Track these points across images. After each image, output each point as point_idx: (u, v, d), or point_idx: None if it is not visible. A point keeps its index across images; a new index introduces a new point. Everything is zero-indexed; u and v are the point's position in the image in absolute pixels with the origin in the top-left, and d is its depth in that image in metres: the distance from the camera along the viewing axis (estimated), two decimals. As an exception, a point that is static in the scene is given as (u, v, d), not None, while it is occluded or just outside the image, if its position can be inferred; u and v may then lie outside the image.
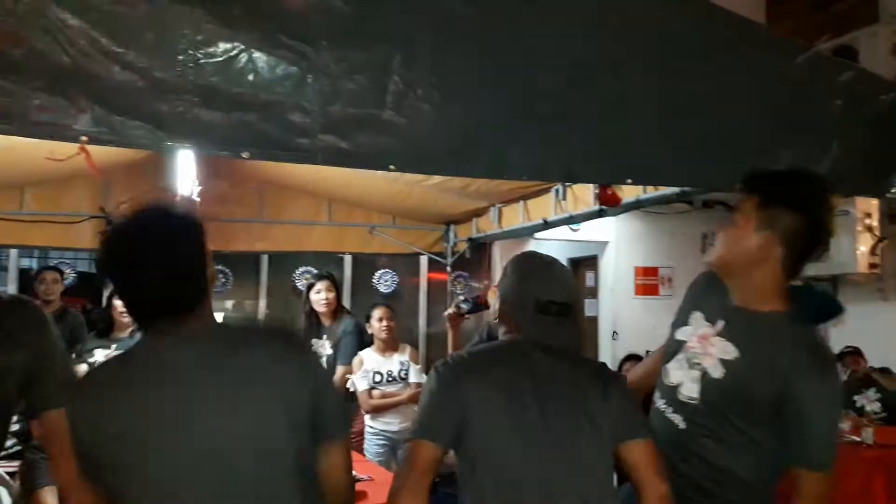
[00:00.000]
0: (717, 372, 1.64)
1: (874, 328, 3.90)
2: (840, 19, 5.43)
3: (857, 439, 3.72)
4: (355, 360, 4.11)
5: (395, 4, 1.77)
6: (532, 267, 1.70)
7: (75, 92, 1.56)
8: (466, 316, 3.36)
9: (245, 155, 1.65)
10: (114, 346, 3.81)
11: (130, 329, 3.78)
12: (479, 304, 3.42)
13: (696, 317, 1.74)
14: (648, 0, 2.09)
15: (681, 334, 1.76)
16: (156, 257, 1.24)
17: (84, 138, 1.56)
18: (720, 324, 1.67)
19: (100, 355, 3.67)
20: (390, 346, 4.15)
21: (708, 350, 1.67)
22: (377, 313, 4.16)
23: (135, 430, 1.22)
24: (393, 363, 4.12)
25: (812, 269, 5.24)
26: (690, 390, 1.69)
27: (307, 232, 5.48)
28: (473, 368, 1.56)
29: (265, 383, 1.27)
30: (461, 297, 3.42)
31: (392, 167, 1.75)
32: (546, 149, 1.93)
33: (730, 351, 1.64)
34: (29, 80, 1.53)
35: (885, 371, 4.24)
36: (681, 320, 1.78)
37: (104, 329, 3.88)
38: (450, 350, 3.40)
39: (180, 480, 1.23)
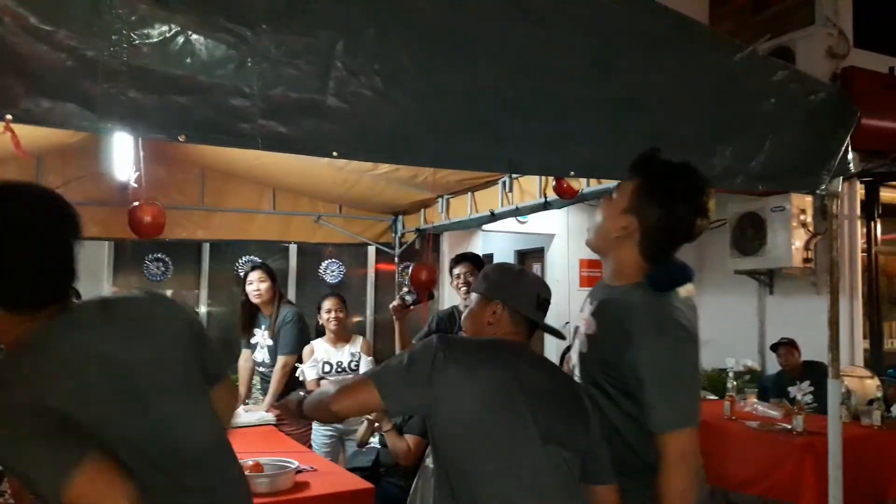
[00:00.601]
0: (584, 347, 1.74)
1: (808, 321, 4.07)
2: (778, 21, 5.60)
3: (789, 427, 3.88)
4: (306, 350, 4.11)
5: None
6: (520, 271, 1.86)
7: (2, 72, 1.48)
8: (411, 307, 3.35)
9: (181, 138, 1.60)
10: None
11: None
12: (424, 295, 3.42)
13: (586, 301, 1.83)
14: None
15: (576, 320, 1.87)
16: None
17: (8, 116, 1.49)
18: (594, 304, 1.77)
19: None
20: (341, 336, 4.15)
21: (582, 329, 1.77)
22: (327, 304, 4.15)
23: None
24: (343, 354, 4.12)
25: (750, 264, 5.44)
26: (577, 370, 1.78)
27: (250, 220, 5.36)
28: (476, 360, 1.57)
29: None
30: (406, 290, 3.39)
31: (335, 153, 1.72)
32: (490, 140, 1.94)
33: (591, 326, 1.73)
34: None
35: (815, 364, 4.41)
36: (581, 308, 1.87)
37: None
38: (397, 342, 3.39)
39: None
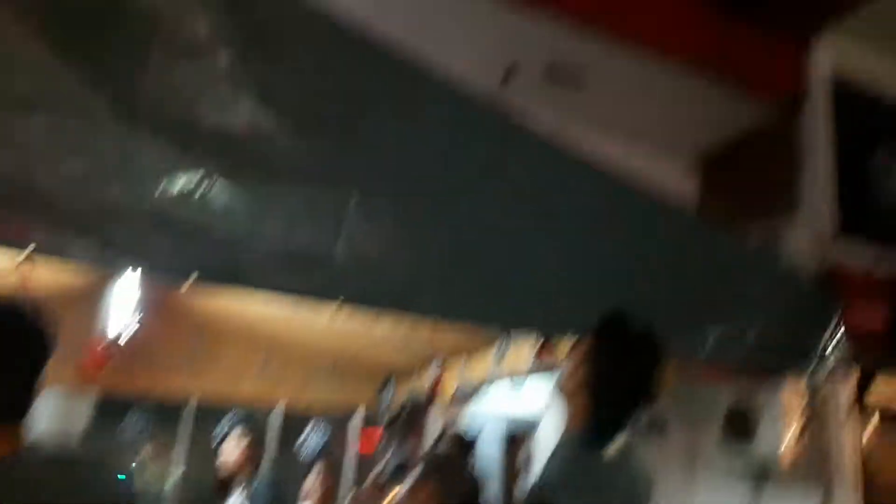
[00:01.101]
0: None
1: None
2: (764, 211, 5.86)
3: None
4: None
5: (355, 153, 1.87)
6: None
7: (33, 204, 1.56)
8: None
9: (192, 280, 1.65)
10: None
11: None
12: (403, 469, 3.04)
13: None
14: (585, 179, 2.24)
15: None
16: None
17: (32, 245, 1.54)
18: None
19: None
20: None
21: None
22: (315, 469, 4.01)
23: None
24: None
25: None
26: None
27: (238, 379, 5.30)
28: None
29: None
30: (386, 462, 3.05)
31: (341, 298, 1.76)
32: (488, 300, 2.00)
33: None
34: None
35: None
36: None
37: None
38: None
39: None
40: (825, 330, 2.65)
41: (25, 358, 1.25)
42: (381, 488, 2.88)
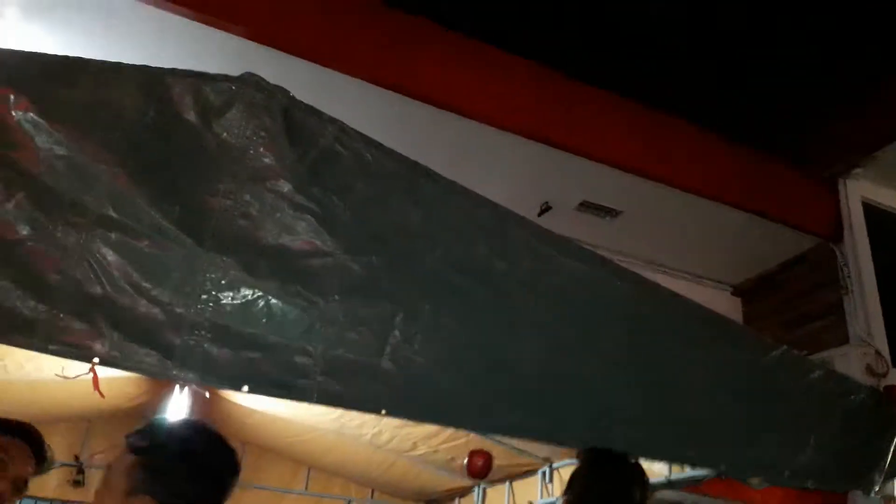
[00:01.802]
0: None
1: None
2: (812, 340, 5.76)
3: None
4: None
5: (403, 271, 1.99)
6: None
7: (99, 318, 1.68)
8: None
9: (245, 389, 1.72)
10: None
11: None
12: None
13: None
14: (629, 290, 2.32)
15: None
16: None
17: (97, 359, 1.64)
18: None
19: None
20: None
21: None
22: None
23: None
24: None
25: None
26: None
27: (281, 499, 5.24)
28: None
29: None
30: None
31: (383, 411, 1.81)
32: (531, 411, 2.01)
33: None
34: (60, 303, 1.66)
35: None
36: None
37: None
38: None
39: None
40: (886, 444, 2.56)
41: (222, 476, 1.42)
42: None
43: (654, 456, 2.32)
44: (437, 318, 1.95)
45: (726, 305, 5.84)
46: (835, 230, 4.22)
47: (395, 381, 1.83)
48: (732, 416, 2.38)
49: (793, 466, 2.40)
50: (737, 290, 5.31)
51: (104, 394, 1.99)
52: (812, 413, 2.51)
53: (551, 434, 1.97)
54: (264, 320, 1.81)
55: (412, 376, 1.84)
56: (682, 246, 4.31)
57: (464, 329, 1.97)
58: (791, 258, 4.62)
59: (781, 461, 2.40)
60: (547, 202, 3.54)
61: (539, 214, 3.57)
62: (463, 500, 5.09)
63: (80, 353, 1.65)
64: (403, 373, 1.84)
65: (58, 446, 4.77)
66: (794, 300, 5.00)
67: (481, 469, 3.65)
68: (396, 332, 1.89)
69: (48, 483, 4.73)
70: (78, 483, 4.71)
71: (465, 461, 3.81)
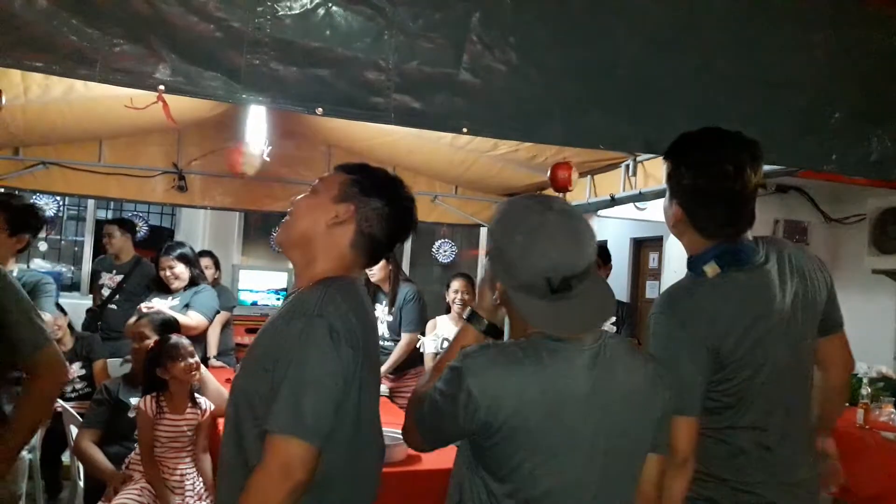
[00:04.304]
0: None
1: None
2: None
3: None
4: (429, 324, 4.30)
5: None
6: (534, 225, 1.26)
7: (154, 40, 1.56)
8: None
9: (319, 111, 1.63)
10: (170, 297, 3.95)
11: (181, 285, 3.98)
12: None
13: None
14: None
15: None
16: None
17: (161, 87, 1.57)
18: None
19: (158, 303, 3.82)
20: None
21: None
22: (455, 285, 4.30)
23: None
24: (464, 333, 4.19)
25: (890, 263, 4.95)
26: None
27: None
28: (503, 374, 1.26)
29: None
30: None
31: (465, 130, 1.71)
32: (624, 118, 1.86)
33: None
34: (110, 26, 1.54)
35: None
36: None
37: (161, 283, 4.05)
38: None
39: None
40: None
41: (406, 223, 1.53)
42: None
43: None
44: (520, 15, 1.73)
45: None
46: None
47: (475, 95, 1.68)
48: (849, 107, 2.13)
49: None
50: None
51: (175, 119, 1.94)
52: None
53: (648, 145, 1.83)
54: (327, 32, 1.64)
55: (493, 88, 1.69)
56: None
57: (551, 29, 1.75)
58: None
59: (894, 156, 2.21)
60: None
61: None
62: (543, 193, 5.19)
63: (142, 80, 1.57)
64: (483, 84, 1.68)
65: (155, 156, 5.03)
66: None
67: (566, 182, 3.63)
68: (473, 37, 1.70)
69: (157, 189, 5.08)
70: (181, 189, 5.02)
71: (549, 174, 3.80)
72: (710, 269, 1.60)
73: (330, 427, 1.27)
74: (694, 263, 1.65)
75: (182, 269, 3.99)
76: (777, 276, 1.62)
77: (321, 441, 1.25)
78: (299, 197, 1.52)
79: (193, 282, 4.04)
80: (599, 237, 5.85)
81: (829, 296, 1.69)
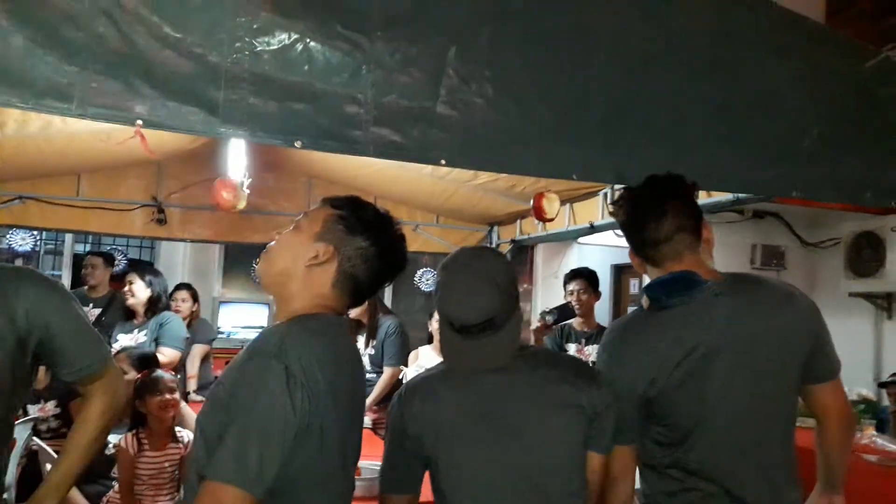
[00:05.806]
0: None
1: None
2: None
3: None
4: (412, 355, 4.26)
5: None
6: (446, 277, 1.56)
7: (132, 76, 1.57)
8: (553, 326, 3.36)
9: (298, 144, 1.64)
10: (135, 330, 3.91)
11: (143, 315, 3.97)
12: (566, 312, 3.40)
13: None
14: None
15: None
16: None
17: (139, 122, 1.57)
18: None
19: (124, 339, 3.78)
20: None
21: None
22: (437, 314, 4.21)
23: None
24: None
25: (866, 286, 5.01)
26: None
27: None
28: (429, 398, 1.57)
29: None
30: (545, 309, 3.40)
31: (443, 161, 1.72)
32: (597, 148, 1.89)
33: None
34: (87, 62, 1.54)
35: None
36: None
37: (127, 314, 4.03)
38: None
39: None
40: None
41: (394, 264, 1.51)
42: (549, 325, 3.42)
43: (730, 188, 2.20)
44: (497, 48, 1.75)
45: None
46: None
47: (452, 127, 1.70)
48: (819, 133, 2.18)
49: (877, 186, 2.26)
50: None
51: (152, 150, 1.93)
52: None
53: (620, 176, 1.85)
54: (305, 67, 1.66)
55: (469, 120, 1.71)
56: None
57: (527, 60, 1.78)
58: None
59: (864, 181, 2.25)
60: None
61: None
62: (523, 221, 5.23)
63: (119, 115, 1.57)
64: (460, 117, 1.70)
65: (134, 189, 5.01)
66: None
67: (548, 211, 3.72)
68: (450, 70, 1.72)
69: (136, 222, 5.05)
70: (161, 221, 4.99)
71: (532, 204, 3.88)
72: (644, 300, 1.69)
73: (274, 476, 1.21)
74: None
75: (140, 287, 3.96)
76: (730, 309, 1.59)
77: (262, 491, 1.19)
78: (284, 232, 1.49)
79: (155, 307, 4.00)
80: (580, 264, 5.90)
81: (817, 342, 1.67)
